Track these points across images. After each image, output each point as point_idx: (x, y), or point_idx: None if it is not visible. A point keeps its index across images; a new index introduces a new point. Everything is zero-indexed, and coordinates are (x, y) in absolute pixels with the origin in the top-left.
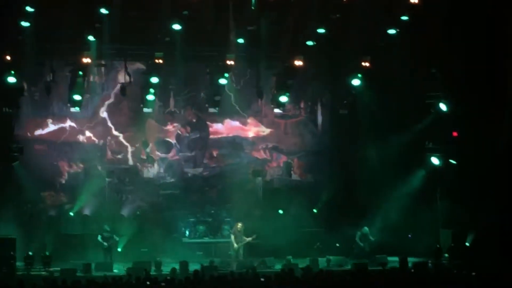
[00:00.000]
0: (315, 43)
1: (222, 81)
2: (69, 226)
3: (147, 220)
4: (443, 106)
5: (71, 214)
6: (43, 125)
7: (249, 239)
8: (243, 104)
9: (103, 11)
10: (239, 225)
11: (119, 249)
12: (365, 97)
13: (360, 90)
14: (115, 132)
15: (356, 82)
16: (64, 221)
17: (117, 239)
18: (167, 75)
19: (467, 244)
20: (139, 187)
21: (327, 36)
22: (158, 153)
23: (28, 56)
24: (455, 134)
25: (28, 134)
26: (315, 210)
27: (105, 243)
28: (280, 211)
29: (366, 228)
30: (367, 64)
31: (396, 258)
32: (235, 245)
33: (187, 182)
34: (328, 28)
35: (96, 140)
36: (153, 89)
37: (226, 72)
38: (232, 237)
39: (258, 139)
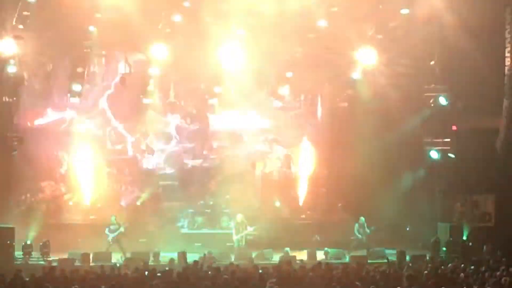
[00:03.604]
0: (315, 35)
1: (222, 73)
2: (68, 216)
3: (145, 210)
4: (442, 100)
5: (70, 204)
6: (43, 114)
7: (251, 229)
8: (244, 96)
9: (105, 1)
10: (239, 216)
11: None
12: (365, 90)
13: (360, 83)
14: (115, 123)
15: (355, 75)
16: (63, 211)
17: (123, 230)
18: (167, 66)
19: (464, 238)
20: (138, 178)
21: (327, 28)
22: (158, 144)
23: (28, 45)
24: (454, 128)
25: (28, 123)
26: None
27: (110, 235)
28: (277, 203)
29: (362, 218)
30: (366, 57)
31: (394, 251)
32: (235, 236)
33: (187, 173)
34: (328, 20)
35: (96, 130)
36: (153, 80)
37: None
38: (233, 229)
39: (258, 131)
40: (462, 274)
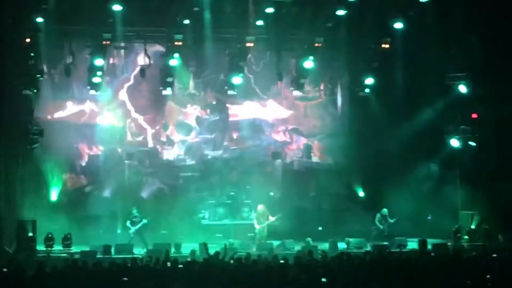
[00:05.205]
0: (334, 24)
1: (241, 63)
2: (89, 208)
3: (166, 202)
4: (462, 88)
5: (91, 196)
6: (63, 107)
7: (273, 218)
8: (263, 86)
9: None
10: (260, 207)
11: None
12: (385, 78)
13: (380, 72)
14: (134, 115)
15: (375, 63)
16: (84, 203)
17: (146, 221)
18: (186, 57)
19: (472, 227)
20: (159, 170)
21: (346, 17)
22: (178, 135)
23: (48, 38)
24: (474, 115)
25: (48, 116)
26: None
27: (133, 228)
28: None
29: (385, 210)
30: (386, 45)
31: (415, 240)
32: (257, 226)
33: (207, 164)
34: (347, 9)
35: (116, 123)
36: (173, 71)
37: (246, 54)
38: (255, 220)
39: (278, 121)
40: (483, 262)
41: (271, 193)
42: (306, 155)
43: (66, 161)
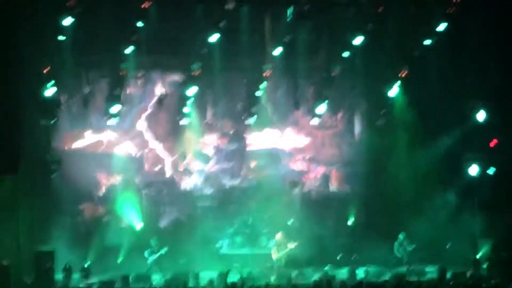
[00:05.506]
0: (351, 53)
1: (258, 92)
2: (107, 238)
3: (184, 231)
4: (480, 115)
5: (110, 225)
6: (81, 137)
7: (293, 245)
8: (280, 115)
9: (140, 23)
10: (279, 235)
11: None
12: (402, 107)
13: (397, 100)
14: (152, 144)
15: (393, 92)
16: (102, 233)
17: (164, 252)
18: (204, 87)
19: (491, 255)
20: (176, 199)
21: (363, 46)
22: (195, 164)
23: (65, 68)
24: (493, 143)
25: (66, 146)
26: (350, 222)
27: (151, 258)
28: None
29: (400, 237)
30: (404, 74)
31: (434, 268)
32: (275, 255)
33: (225, 193)
34: (364, 38)
35: (134, 152)
36: (190, 100)
37: (263, 83)
38: (273, 248)
39: (296, 150)
40: None
41: (289, 222)
42: (324, 184)
43: (84, 190)
